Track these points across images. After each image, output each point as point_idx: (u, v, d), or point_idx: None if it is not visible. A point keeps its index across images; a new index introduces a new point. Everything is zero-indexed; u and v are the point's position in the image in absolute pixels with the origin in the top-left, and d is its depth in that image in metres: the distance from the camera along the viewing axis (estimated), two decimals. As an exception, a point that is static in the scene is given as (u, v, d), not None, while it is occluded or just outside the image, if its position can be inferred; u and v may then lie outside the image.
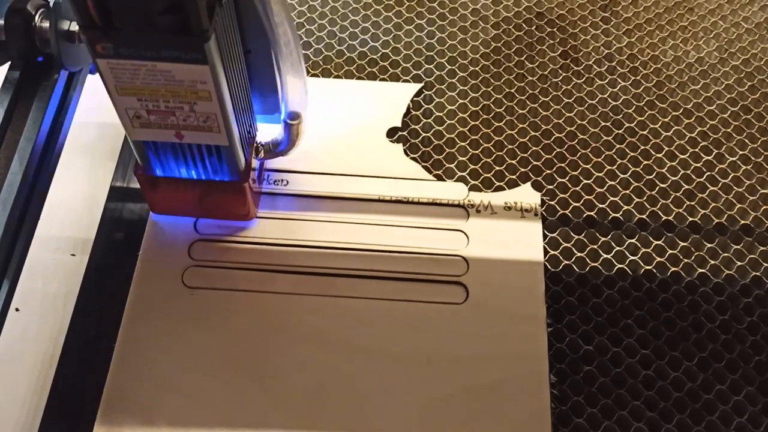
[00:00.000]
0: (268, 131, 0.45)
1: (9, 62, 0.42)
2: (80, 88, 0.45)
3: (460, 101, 0.53)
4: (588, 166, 0.50)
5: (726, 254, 0.47)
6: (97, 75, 0.39)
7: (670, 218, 0.48)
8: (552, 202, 0.49)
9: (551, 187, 0.49)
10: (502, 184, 0.50)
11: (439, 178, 0.50)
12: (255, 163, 0.44)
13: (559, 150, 0.51)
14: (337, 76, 0.55)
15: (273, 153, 0.44)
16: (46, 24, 0.41)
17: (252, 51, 0.40)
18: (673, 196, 0.49)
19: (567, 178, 0.50)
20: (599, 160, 0.51)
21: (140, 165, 0.41)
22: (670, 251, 0.47)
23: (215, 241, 0.46)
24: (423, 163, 0.50)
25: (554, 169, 0.50)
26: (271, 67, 0.40)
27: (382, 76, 0.55)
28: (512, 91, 0.54)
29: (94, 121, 0.51)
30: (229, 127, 0.38)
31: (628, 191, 0.49)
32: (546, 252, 0.47)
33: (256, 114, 0.44)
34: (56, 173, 0.43)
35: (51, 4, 0.42)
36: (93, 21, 0.32)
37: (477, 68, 0.55)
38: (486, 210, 0.48)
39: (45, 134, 0.42)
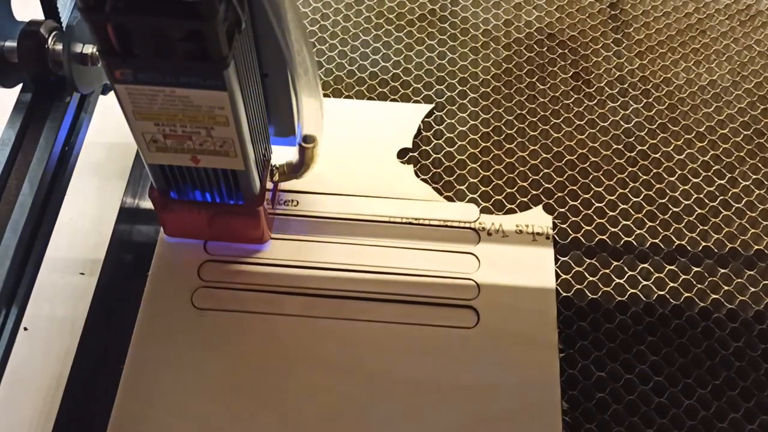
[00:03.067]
0: (282, 153, 0.46)
1: (21, 84, 0.43)
2: (92, 109, 0.46)
3: (471, 122, 0.54)
4: (600, 189, 0.51)
5: (740, 280, 0.48)
6: (109, 96, 0.40)
7: (683, 243, 0.49)
8: (564, 226, 0.50)
9: (563, 210, 0.50)
10: (513, 206, 0.51)
11: (449, 199, 0.51)
12: (269, 185, 0.45)
13: (570, 172, 0.52)
14: (348, 97, 0.56)
15: (287, 176, 0.45)
16: (59, 47, 0.42)
17: (269, 74, 0.40)
18: (685, 221, 0.50)
19: (579, 200, 0.51)
20: (611, 183, 0.52)
21: (155, 188, 0.42)
22: (683, 276, 0.48)
23: (225, 262, 0.47)
24: (434, 185, 0.51)
25: (566, 192, 0.51)
26: (288, 90, 0.41)
27: (392, 97, 0.56)
28: (524, 112, 0.55)
29: (104, 141, 0.52)
30: (245, 151, 0.38)
31: (640, 215, 0.50)
32: (558, 276, 0.48)
33: (271, 137, 0.45)
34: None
35: (64, 27, 0.43)
36: (112, 47, 0.33)
37: (488, 89, 0.56)
38: (497, 233, 0.49)
39: (56, 157, 0.42)
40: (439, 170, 0.52)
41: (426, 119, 0.54)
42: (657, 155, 0.53)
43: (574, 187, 0.51)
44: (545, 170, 0.52)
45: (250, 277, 0.46)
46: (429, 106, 0.55)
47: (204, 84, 0.34)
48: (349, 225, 0.49)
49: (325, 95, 0.56)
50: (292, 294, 0.46)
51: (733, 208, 0.51)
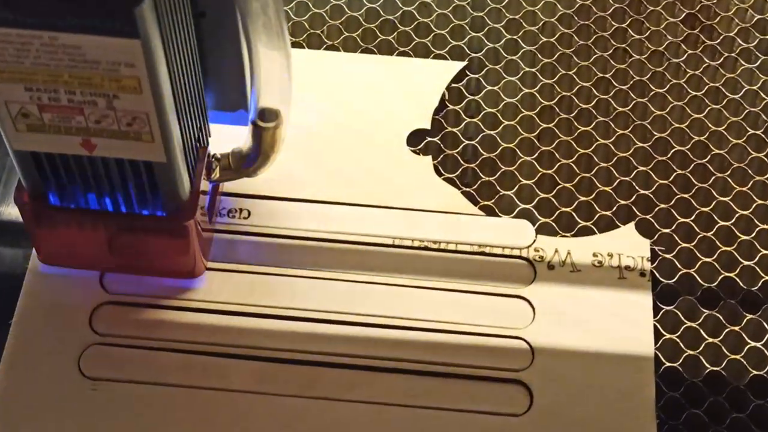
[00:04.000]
0: (227, 137, 0.45)
1: None
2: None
3: (525, 90, 0.54)
4: (726, 199, 0.51)
5: None
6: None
7: None
8: (669, 256, 0.50)
9: (667, 230, 0.50)
10: (588, 224, 0.50)
11: (489, 212, 0.51)
12: (206, 187, 0.45)
13: (680, 172, 0.52)
14: (333, 47, 0.56)
15: (235, 171, 0.45)
16: None
17: (207, 14, 0.40)
18: None
19: (692, 217, 0.51)
20: (745, 189, 0.52)
21: (25, 188, 0.42)
22: None
23: (133, 305, 0.47)
24: (464, 188, 0.51)
25: (672, 203, 0.51)
26: (236, 37, 0.41)
27: (402, 49, 0.56)
28: (607, 76, 0.55)
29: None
30: (167, 132, 0.38)
31: (789, 241, 0.50)
32: (658, 335, 0.47)
33: (210, 111, 0.45)
34: None
35: None
36: (-40, -33, 0.33)
37: (552, 39, 0.56)
38: (563, 266, 0.49)
39: None
40: (473, 165, 0.52)
41: (454, 84, 0.54)
42: (816, 147, 0.53)
43: (686, 196, 0.51)
44: (640, 167, 0.52)
45: (173, 329, 0.46)
46: (460, 64, 0.55)
47: (104, 27, 0.34)
48: (330, 250, 0.49)
49: (298, 44, 0.56)
50: (238, 357, 0.46)
51: None
